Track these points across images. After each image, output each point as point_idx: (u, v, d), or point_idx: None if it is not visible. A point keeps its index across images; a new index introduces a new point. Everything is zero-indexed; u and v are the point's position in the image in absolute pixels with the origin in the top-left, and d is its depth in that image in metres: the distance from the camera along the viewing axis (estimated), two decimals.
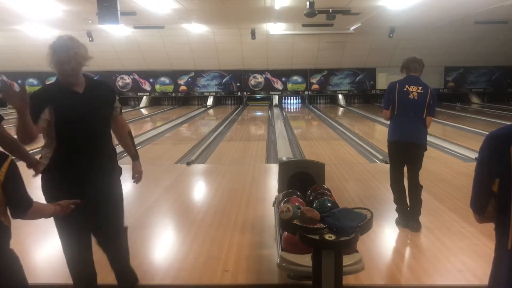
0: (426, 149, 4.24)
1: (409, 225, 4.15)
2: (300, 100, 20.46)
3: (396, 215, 4.32)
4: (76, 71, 2.48)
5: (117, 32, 16.29)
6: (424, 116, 4.16)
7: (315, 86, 20.09)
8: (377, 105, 18.83)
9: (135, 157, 2.90)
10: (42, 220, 2.22)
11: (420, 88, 4.14)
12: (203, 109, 18.77)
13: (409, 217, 4.18)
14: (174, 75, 20.09)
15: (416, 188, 4.20)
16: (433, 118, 4.27)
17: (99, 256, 2.73)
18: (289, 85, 20.12)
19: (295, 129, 12.02)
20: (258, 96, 20.31)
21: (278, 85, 20.11)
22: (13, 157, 1.97)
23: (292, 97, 20.41)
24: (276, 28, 16.37)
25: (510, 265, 1.47)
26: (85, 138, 2.52)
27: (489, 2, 11.48)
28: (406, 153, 4.19)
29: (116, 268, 2.79)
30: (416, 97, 4.11)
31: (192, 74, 20.11)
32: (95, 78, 3.00)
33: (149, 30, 15.73)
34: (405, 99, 4.14)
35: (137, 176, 2.89)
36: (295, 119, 15.17)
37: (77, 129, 2.49)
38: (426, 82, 4.27)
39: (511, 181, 1.44)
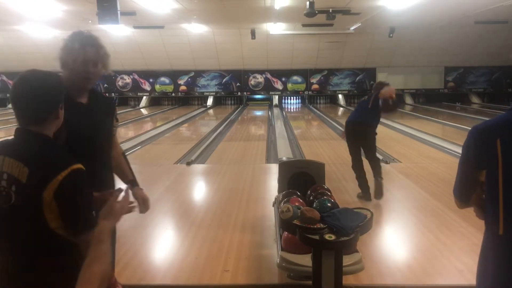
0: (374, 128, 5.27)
1: (374, 181, 4.90)
2: (300, 100, 20.44)
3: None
4: (99, 76, 2.11)
5: (117, 32, 16.28)
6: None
7: (315, 86, 20.08)
8: None
9: (134, 182, 2.38)
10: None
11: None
12: (203, 109, 18.76)
13: (374, 177, 4.98)
14: (174, 75, 20.08)
15: (374, 158, 5.12)
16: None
17: None
18: (289, 85, 20.11)
19: (295, 129, 12.01)
20: (258, 96, 20.31)
21: (278, 85, 20.10)
22: (80, 167, 1.53)
23: (292, 97, 20.39)
24: (276, 28, 16.35)
25: (499, 250, 1.51)
26: (93, 155, 2.08)
27: (489, 2, 11.48)
28: (356, 130, 5.28)
29: None
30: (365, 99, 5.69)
31: (192, 74, 20.10)
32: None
33: (149, 30, 15.73)
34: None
35: (144, 204, 2.32)
36: (295, 119, 15.16)
37: (85, 146, 2.05)
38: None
39: (499, 172, 1.47)
